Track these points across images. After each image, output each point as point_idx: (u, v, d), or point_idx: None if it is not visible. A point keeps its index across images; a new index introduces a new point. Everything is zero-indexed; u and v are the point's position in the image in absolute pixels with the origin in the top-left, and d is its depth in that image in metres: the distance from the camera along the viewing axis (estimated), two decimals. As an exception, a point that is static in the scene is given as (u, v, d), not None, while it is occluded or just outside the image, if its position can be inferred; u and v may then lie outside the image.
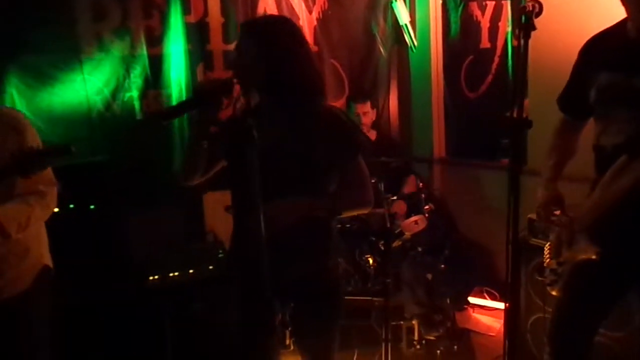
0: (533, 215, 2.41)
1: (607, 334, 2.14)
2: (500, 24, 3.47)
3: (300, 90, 1.55)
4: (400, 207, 3.00)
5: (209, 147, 1.57)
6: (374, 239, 2.75)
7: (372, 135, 3.48)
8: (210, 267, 3.00)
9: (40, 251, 1.85)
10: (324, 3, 3.79)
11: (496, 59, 3.53)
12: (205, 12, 3.49)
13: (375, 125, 3.56)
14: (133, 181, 3.27)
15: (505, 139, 1.27)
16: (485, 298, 3.36)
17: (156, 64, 3.42)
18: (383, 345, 2.54)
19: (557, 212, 1.74)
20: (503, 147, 1.09)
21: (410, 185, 3.16)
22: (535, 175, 1.88)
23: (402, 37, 4.00)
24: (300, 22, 3.70)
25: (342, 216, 1.75)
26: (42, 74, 3.21)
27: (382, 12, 3.97)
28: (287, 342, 2.83)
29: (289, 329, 1.76)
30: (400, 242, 2.76)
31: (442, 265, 2.95)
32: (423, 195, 2.97)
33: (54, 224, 1.89)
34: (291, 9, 3.67)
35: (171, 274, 2.90)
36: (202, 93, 1.43)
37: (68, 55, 3.24)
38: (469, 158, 3.79)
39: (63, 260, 1.98)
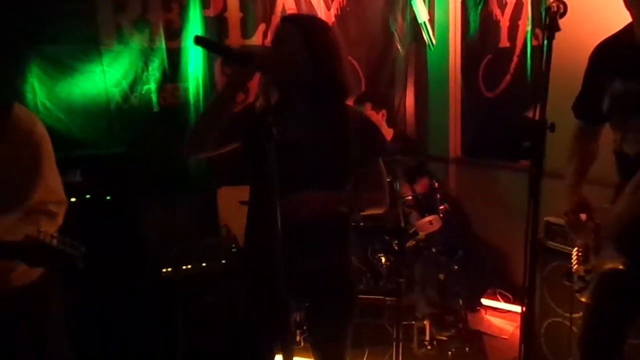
0: (550, 218, 2.39)
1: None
2: (520, 23, 3.42)
3: (332, 89, 1.55)
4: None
5: (228, 124, 1.53)
6: (387, 238, 2.74)
7: (389, 133, 3.47)
8: (223, 262, 3.01)
9: None
10: (343, 0, 3.77)
11: (515, 59, 3.48)
12: (224, 7, 3.49)
13: (391, 123, 3.55)
14: (149, 173, 3.30)
15: (526, 141, 1.24)
16: (498, 300, 3.33)
17: (174, 57, 3.44)
18: (394, 344, 2.55)
19: (583, 217, 1.72)
20: (524, 149, 1.07)
21: (422, 185, 3.14)
22: (553, 178, 1.85)
23: (420, 35, 3.98)
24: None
25: (359, 214, 1.75)
26: (63, 65, 3.25)
27: (400, 10, 3.95)
28: (298, 338, 2.84)
29: (304, 327, 1.75)
30: (414, 242, 2.75)
31: (456, 266, 2.93)
32: (438, 195, 2.95)
33: (69, 213, 1.90)
34: (310, 5, 3.66)
35: (184, 267, 2.91)
36: (246, 54, 1.39)
37: (88, 46, 3.27)
38: (485, 158, 3.75)
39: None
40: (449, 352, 2.78)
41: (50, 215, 1.66)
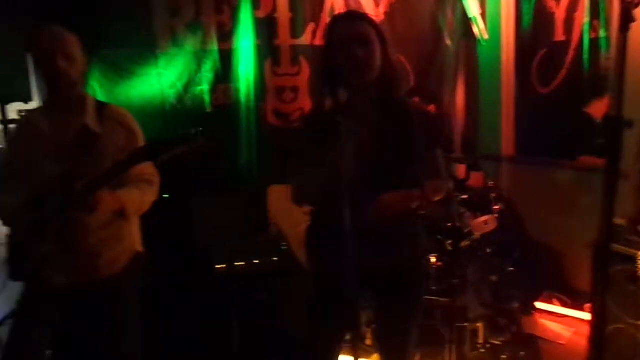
0: (616, 220, 2.29)
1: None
2: (576, 15, 3.28)
3: (394, 84, 1.59)
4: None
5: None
6: (440, 237, 2.69)
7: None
8: (274, 259, 3.06)
9: (134, 237, 1.98)
10: (392, -3, 3.74)
11: (571, 53, 3.35)
12: (274, 8, 3.54)
13: (440, 120, 3.49)
14: (202, 172, 3.39)
15: (599, 138, 1.19)
16: (554, 304, 3.22)
17: (226, 58, 3.52)
18: (447, 346, 2.51)
19: None
20: (597, 146, 1.02)
21: (476, 180, 3.07)
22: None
23: (470, 29, 3.89)
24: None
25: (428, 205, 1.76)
26: (121, 68, 3.39)
27: (450, 5, 3.87)
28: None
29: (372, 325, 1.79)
30: (468, 242, 2.70)
31: (511, 268, 2.86)
32: (493, 195, 2.88)
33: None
34: (358, 3, 3.65)
35: (237, 263, 2.97)
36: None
37: (145, 50, 3.40)
38: (540, 156, 3.63)
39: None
40: (503, 357, 2.71)
41: (149, 183, 1.91)
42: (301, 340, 1.89)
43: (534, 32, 3.59)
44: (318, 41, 3.62)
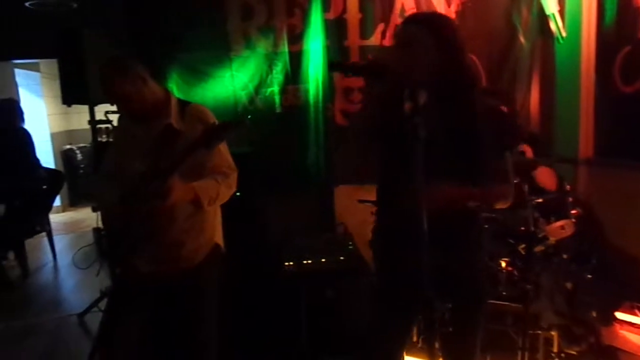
0: None
1: None
2: (664, 9, 3.08)
3: (460, 84, 1.57)
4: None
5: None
6: (512, 241, 2.62)
7: (511, 132, 3.30)
8: (342, 258, 3.09)
9: (215, 230, 2.08)
10: (464, -5, 3.67)
11: (657, 49, 3.14)
12: (344, 9, 3.58)
13: (513, 121, 3.38)
14: (272, 171, 3.49)
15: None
16: (636, 315, 3.04)
17: (296, 60, 3.61)
18: (519, 353, 2.44)
19: None
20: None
21: (545, 178, 2.94)
22: None
23: (547, 27, 3.74)
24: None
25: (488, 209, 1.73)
26: (197, 71, 3.56)
27: (526, 2, 3.74)
28: (415, 338, 2.84)
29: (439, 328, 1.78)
30: (543, 247, 2.60)
31: (588, 275, 2.73)
32: (570, 199, 2.76)
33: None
34: (429, 2, 3.62)
35: (305, 261, 3.03)
36: (379, 67, 1.42)
37: (220, 53, 3.55)
38: (620, 159, 3.43)
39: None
40: (579, 367, 2.60)
41: (225, 175, 1.99)
42: (365, 339, 1.90)
43: (617, 29, 3.39)
44: (387, 41, 3.62)
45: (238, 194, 3.07)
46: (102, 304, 3.52)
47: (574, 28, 3.62)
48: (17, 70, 6.22)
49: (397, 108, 1.33)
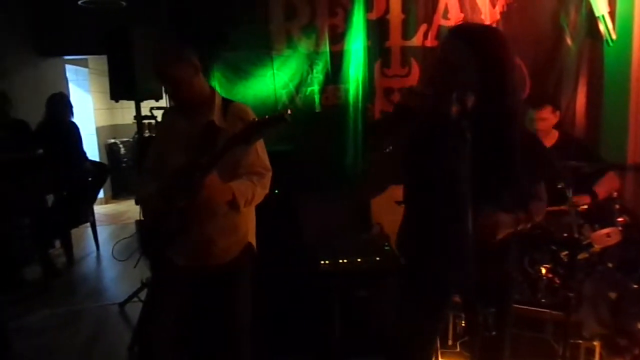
0: None
1: None
2: None
3: (504, 112, 1.51)
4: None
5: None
6: (554, 248, 2.56)
7: (554, 136, 3.22)
8: (377, 259, 3.09)
9: (248, 229, 2.11)
10: (509, -4, 3.60)
11: None
12: (387, 9, 3.56)
13: (557, 125, 3.29)
14: (310, 170, 3.52)
15: None
16: (684, 328, 2.92)
17: (337, 60, 3.62)
18: (559, 362, 2.39)
19: None
20: None
21: (609, 185, 2.85)
22: None
23: (596, 29, 3.63)
24: (482, 17, 3.58)
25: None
26: (239, 69, 3.61)
27: (574, 2, 3.64)
28: (450, 342, 2.81)
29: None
30: (587, 255, 2.53)
31: (635, 285, 2.64)
32: (617, 206, 2.67)
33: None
34: (473, 3, 3.57)
35: (341, 261, 3.04)
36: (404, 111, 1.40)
37: (262, 52, 3.60)
38: (672, 167, 3.31)
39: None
40: (623, 379, 2.52)
41: (260, 175, 2.00)
42: (396, 338, 1.90)
43: (671, 31, 3.27)
44: (429, 42, 3.59)
45: (276, 191, 3.13)
46: (143, 295, 3.63)
47: (625, 30, 3.50)
48: (67, 66, 6.47)
49: (430, 140, 1.32)
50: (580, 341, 2.57)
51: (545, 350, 2.54)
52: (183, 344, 2.18)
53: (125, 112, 7.90)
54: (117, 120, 8.31)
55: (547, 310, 2.50)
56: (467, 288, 1.28)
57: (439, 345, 2.60)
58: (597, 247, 2.54)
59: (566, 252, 2.50)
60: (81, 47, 5.31)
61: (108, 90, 3.47)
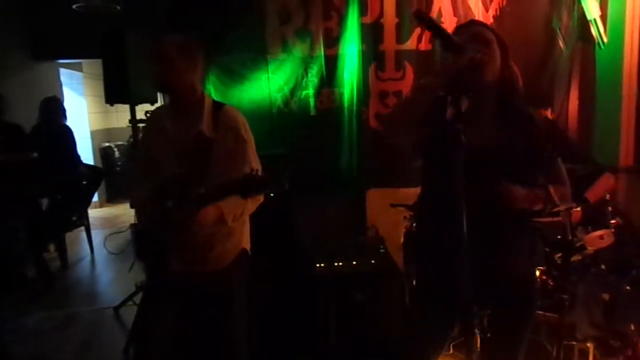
0: None
1: None
2: None
3: (514, 90, 1.60)
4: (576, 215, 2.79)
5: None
6: (548, 250, 2.58)
7: (548, 138, 3.24)
8: (372, 261, 3.10)
9: (242, 235, 2.10)
10: (502, 0, 3.63)
11: None
12: (381, 13, 3.58)
13: (550, 127, 3.32)
14: (305, 173, 3.52)
15: None
16: (676, 330, 2.94)
17: (331, 63, 3.63)
18: (553, 364, 2.40)
19: None
20: None
21: (605, 186, 2.87)
22: None
23: (588, 32, 3.67)
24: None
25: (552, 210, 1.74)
26: (234, 73, 3.62)
27: (566, 6, 3.68)
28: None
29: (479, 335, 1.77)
30: (580, 257, 2.55)
31: (628, 287, 2.66)
32: (610, 208, 2.69)
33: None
34: (467, 7, 3.60)
35: (336, 263, 3.05)
36: (460, 44, 1.38)
37: (257, 55, 3.61)
38: (663, 169, 3.34)
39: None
40: (616, 380, 2.53)
41: None
42: (398, 342, 1.90)
43: (662, 34, 3.31)
44: (423, 46, 3.61)
45: (272, 195, 3.13)
46: (137, 298, 3.62)
47: (617, 34, 3.54)
48: (61, 70, 6.46)
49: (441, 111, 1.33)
50: (574, 343, 2.58)
51: (539, 352, 2.55)
52: (179, 349, 2.18)
53: (120, 115, 7.88)
54: (111, 123, 8.29)
55: (541, 312, 2.51)
56: (472, 288, 1.29)
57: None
58: (590, 249, 2.56)
59: (560, 255, 2.51)
60: (75, 50, 5.30)
61: (102, 94, 3.46)
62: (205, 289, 2.01)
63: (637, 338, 2.67)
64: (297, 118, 3.67)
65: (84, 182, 5.06)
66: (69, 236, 5.13)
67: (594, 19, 3.58)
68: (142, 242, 2.13)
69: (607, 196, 2.78)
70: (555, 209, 1.71)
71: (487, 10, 3.61)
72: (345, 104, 3.66)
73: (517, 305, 1.62)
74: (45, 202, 4.84)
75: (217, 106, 2.01)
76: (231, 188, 1.74)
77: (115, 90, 3.36)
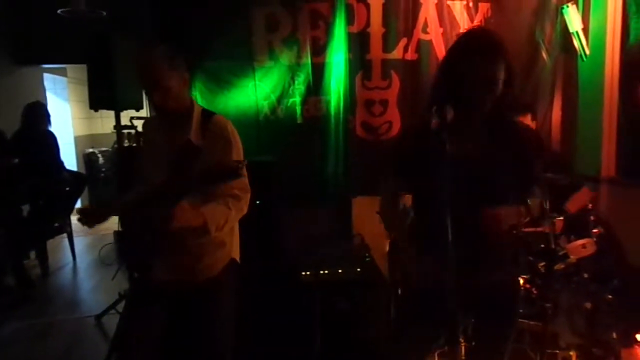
0: None
1: None
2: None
3: (507, 103, 1.59)
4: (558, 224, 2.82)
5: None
6: (532, 259, 2.60)
7: (531, 148, 3.29)
8: (358, 270, 3.10)
9: (232, 245, 2.09)
10: (487, 11, 3.69)
11: (682, 70, 3.12)
12: (368, 23, 3.61)
13: (534, 138, 3.36)
14: (292, 181, 3.52)
15: None
16: (657, 338, 2.98)
17: (318, 72, 3.64)
18: (537, 372, 2.41)
19: None
20: None
21: (581, 199, 2.92)
22: None
23: (570, 44, 3.73)
24: (461, 31, 3.64)
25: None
26: (221, 80, 3.61)
27: (550, 19, 3.75)
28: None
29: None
30: (563, 266, 2.58)
31: (609, 296, 2.69)
32: (592, 218, 2.73)
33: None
34: (452, 18, 3.64)
35: (322, 272, 3.04)
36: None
37: (243, 63, 3.60)
38: (643, 179, 3.40)
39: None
40: (598, 388, 2.55)
41: (236, 198, 1.91)
42: (384, 349, 1.90)
43: (642, 48, 3.38)
44: (409, 55, 3.64)
45: (258, 202, 3.12)
46: (120, 307, 3.57)
47: (598, 46, 3.61)
48: (45, 75, 6.39)
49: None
50: (557, 351, 2.60)
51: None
52: (164, 358, 2.15)
53: (104, 121, 7.80)
54: (95, 129, 8.20)
55: (525, 321, 2.52)
56: (457, 297, 1.29)
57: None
58: (573, 258, 2.59)
59: (543, 263, 2.54)
60: (60, 55, 5.24)
61: (87, 99, 3.44)
62: (193, 298, 1.99)
63: (619, 346, 2.71)
64: (284, 126, 3.66)
65: (67, 189, 4.99)
66: (51, 243, 5.04)
67: (576, 32, 3.64)
68: (127, 250, 2.10)
69: (589, 205, 2.82)
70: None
71: (472, 20, 3.66)
72: (332, 112, 3.66)
73: (500, 314, 1.63)
74: (26, 208, 4.76)
75: (207, 115, 2.00)
76: (206, 178, 1.73)
77: (100, 96, 3.33)
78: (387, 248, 3.20)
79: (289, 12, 3.57)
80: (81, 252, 5.41)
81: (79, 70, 6.72)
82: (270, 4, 3.56)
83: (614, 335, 2.66)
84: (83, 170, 7.33)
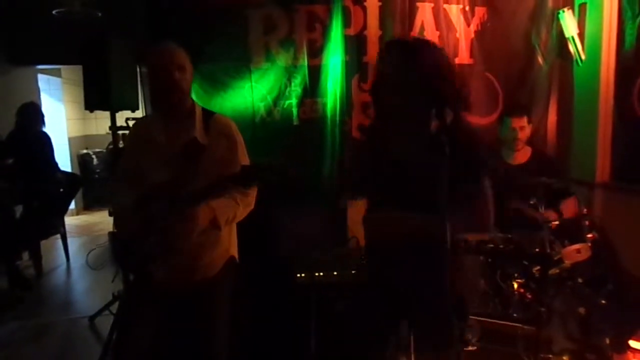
0: None
1: None
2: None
3: (436, 109, 1.57)
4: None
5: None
6: (526, 263, 2.60)
7: (527, 152, 3.29)
8: (353, 272, 3.10)
9: (231, 243, 2.10)
10: (484, 15, 3.70)
11: (677, 75, 3.14)
12: (364, 25, 3.61)
13: (529, 141, 3.37)
14: (287, 184, 3.50)
15: None
16: (650, 343, 2.99)
17: (315, 74, 3.63)
18: (530, 376, 2.42)
19: None
20: None
21: (569, 209, 2.94)
22: None
23: (566, 49, 3.75)
24: (457, 35, 3.66)
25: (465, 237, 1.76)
26: (217, 81, 3.60)
27: (545, 23, 3.77)
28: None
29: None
30: (557, 270, 2.58)
31: (603, 301, 2.70)
32: (587, 222, 2.74)
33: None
34: (449, 21, 3.65)
35: (317, 274, 3.04)
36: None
37: (240, 64, 3.59)
38: (638, 184, 3.41)
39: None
40: (591, 393, 2.56)
41: (244, 194, 1.95)
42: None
43: (637, 53, 3.39)
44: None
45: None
46: (114, 308, 3.55)
47: (594, 51, 3.62)
48: (40, 76, 6.36)
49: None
50: (551, 356, 2.60)
51: (515, 364, 2.57)
52: (159, 358, 2.14)
53: (99, 122, 7.79)
54: (90, 130, 8.18)
55: (519, 325, 2.53)
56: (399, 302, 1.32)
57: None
58: (567, 262, 2.59)
59: (538, 267, 2.54)
60: (54, 56, 5.23)
61: (81, 100, 3.42)
62: (192, 297, 1.98)
63: (612, 352, 2.71)
64: (280, 128, 3.65)
65: (61, 190, 4.97)
66: (44, 244, 5.02)
67: (572, 37, 3.66)
68: (124, 250, 2.09)
69: (584, 210, 2.83)
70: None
71: (468, 25, 3.67)
72: (328, 115, 3.66)
73: (430, 322, 1.64)
74: (19, 209, 4.73)
75: (208, 114, 2.02)
76: (228, 180, 1.74)
77: (95, 97, 3.31)
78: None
79: (285, 14, 3.56)
80: (75, 253, 5.39)
81: (73, 71, 6.71)
82: (266, 6, 3.55)
83: (607, 340, 2.66)
84: (77, 171, 7.30)
